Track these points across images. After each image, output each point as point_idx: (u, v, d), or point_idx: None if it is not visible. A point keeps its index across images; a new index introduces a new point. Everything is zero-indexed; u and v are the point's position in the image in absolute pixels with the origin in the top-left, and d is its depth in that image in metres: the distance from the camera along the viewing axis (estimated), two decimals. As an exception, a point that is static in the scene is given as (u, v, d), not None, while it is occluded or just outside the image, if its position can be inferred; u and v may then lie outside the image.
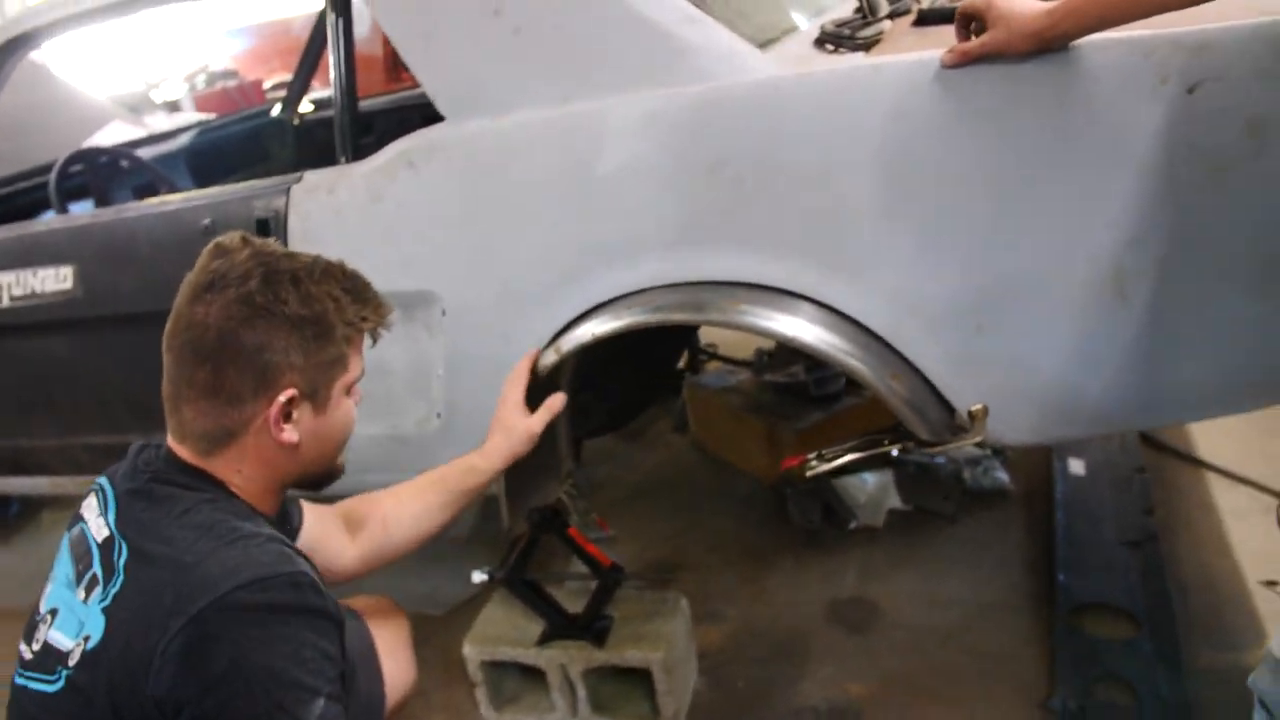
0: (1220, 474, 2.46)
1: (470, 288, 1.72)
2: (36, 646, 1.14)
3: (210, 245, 1.18)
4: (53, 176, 2.56)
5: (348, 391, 1.24)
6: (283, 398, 1.14)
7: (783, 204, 1.47)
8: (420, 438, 1.83)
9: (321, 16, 2.98)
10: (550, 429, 1.66)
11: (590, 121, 1.57)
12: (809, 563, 2.37)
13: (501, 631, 1.93)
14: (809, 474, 1.70)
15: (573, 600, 1.93)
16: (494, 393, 1.65)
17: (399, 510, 1.55)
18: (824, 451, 1.71)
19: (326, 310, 1.17)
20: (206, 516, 1.10)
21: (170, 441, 1.20)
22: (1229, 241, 1.32)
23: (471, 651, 1.92)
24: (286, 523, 1.37)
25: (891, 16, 1.78)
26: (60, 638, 1.11)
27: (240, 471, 1.18)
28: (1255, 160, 1.27)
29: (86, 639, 1.07)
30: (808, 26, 1.85)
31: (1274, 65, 1.24)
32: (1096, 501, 2.34)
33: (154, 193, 2.79)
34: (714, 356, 3.01)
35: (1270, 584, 1.96)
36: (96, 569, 1.11)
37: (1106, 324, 1.38)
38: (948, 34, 1.41)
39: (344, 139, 1.87)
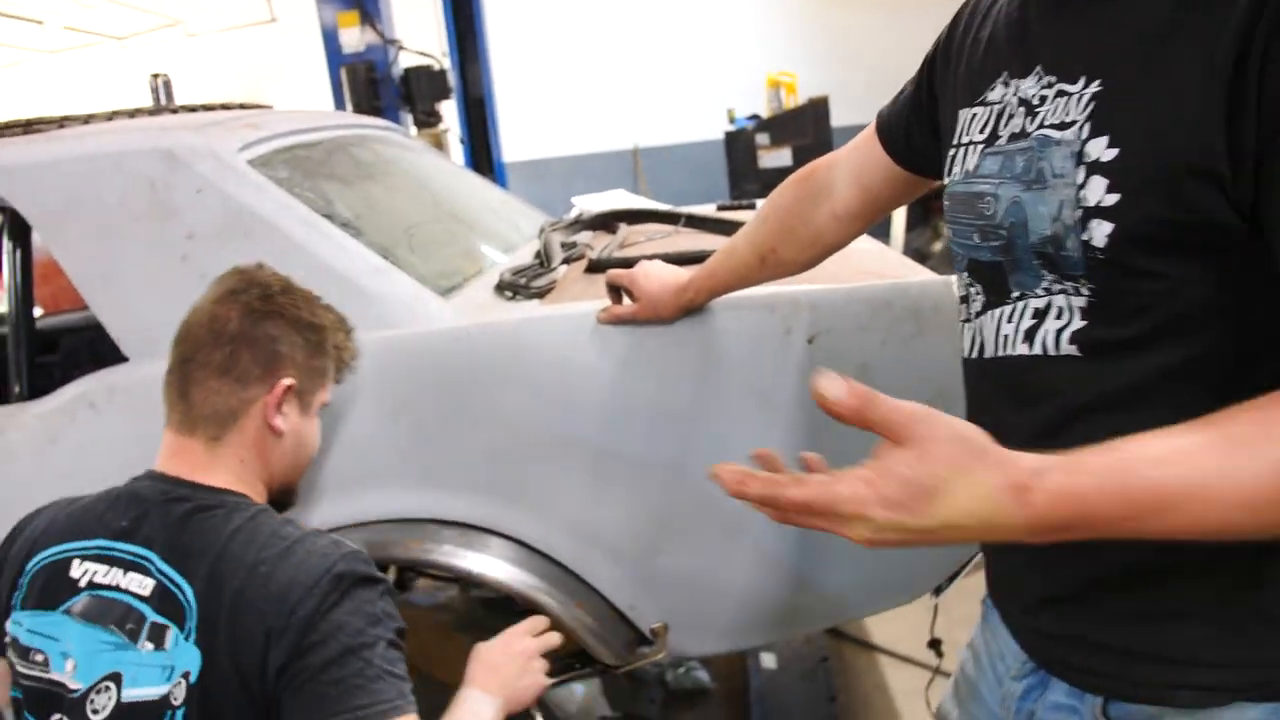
0: (890, 656, 2.70)
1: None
2: (106, 714, 1.14)
3: (232, 269, 1.35)
4: None
5: (319, 411, 1.38)
6: (282, 384, 1.29)
7: (463, 445, 1.55)
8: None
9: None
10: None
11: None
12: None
13: None
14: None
15: None
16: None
17: None
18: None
19: (325, 326, 1.37)
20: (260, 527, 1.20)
21: (170, 459, 1.27)
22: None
23: None
24: None
25: (567, 261, 1.96)
26: (144, 691, 1.14)
27: (243, 461, 1.29)
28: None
29: (186, 674, 1.13)
30: (500, 264, 2.00)
31: (871, 320, 1.49)
32: (787, 693, 2.49)
33: None
34: (423, 574, 2.99)
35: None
36: (156, 617, 1.15)
37: (773, 541, 1.54)
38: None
39: (19, 374, 1.80)
